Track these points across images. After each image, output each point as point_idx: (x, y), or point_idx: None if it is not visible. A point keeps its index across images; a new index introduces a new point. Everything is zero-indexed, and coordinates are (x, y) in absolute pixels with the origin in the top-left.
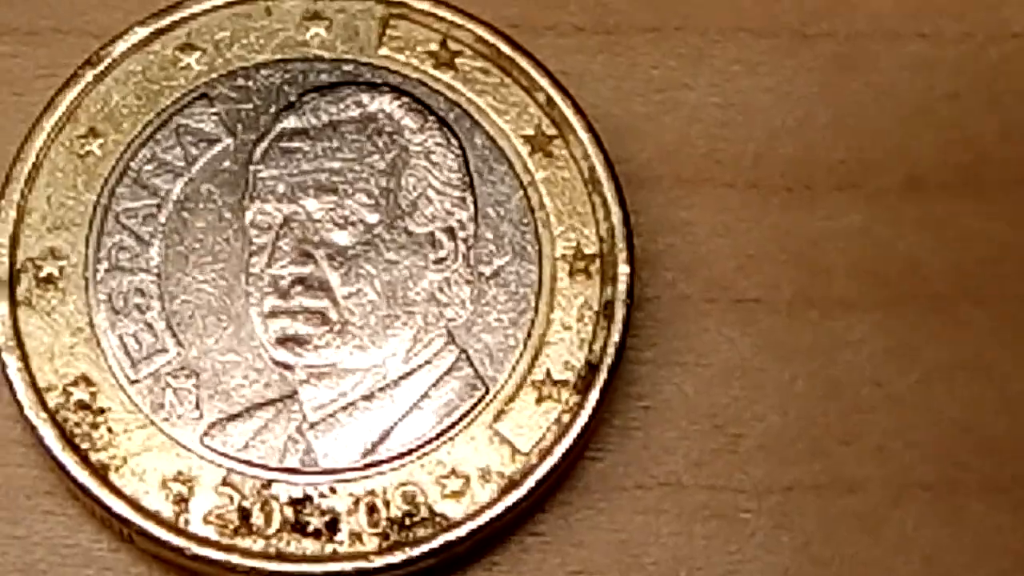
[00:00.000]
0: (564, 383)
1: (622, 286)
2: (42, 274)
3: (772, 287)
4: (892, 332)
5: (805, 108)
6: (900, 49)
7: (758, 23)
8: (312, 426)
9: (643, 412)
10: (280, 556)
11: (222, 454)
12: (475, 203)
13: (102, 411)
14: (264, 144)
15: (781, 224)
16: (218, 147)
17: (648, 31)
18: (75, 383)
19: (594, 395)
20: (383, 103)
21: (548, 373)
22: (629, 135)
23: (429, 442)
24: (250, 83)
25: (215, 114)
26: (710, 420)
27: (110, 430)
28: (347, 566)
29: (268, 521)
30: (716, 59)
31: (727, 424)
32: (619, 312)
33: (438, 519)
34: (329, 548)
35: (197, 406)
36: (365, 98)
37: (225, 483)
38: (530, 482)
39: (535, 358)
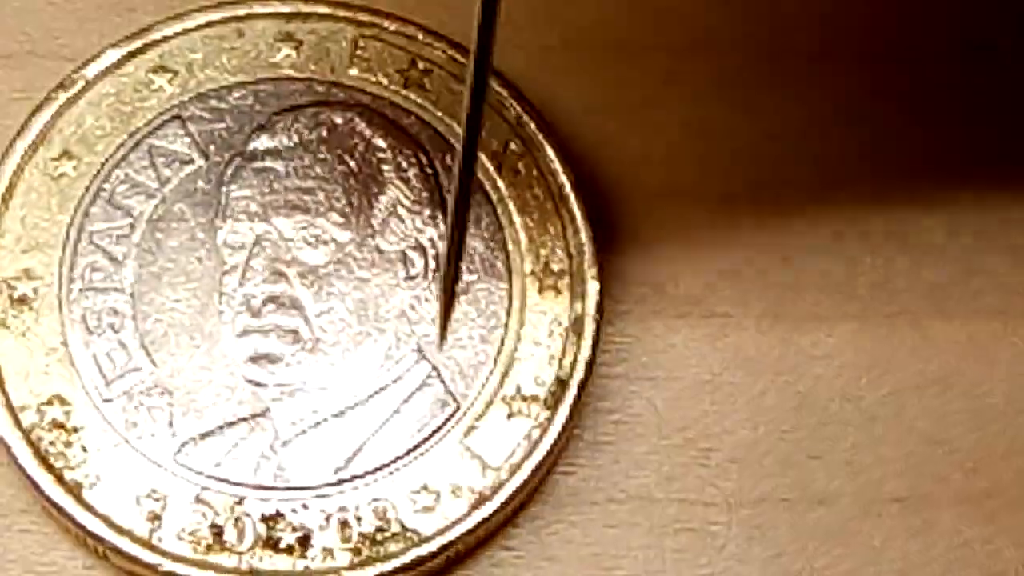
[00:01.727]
0: (534, 398)
1: (591, 302)
2: (16, 294)
3: (741, 302)
4: (861, 346)
5: (772, 123)
6: (866, 65)
7: (726, 40)
8: (284, 443)
9: (614, 427)
10: (253, 572)
11: (195, 471)
12: (445, 221)
13: (76, 429)
14: (236, 164)
15: (750, 239)
16: (191, 167)
17: (616, 49)
18: (49, 402)
19: (564, 410)
20: (354, 123)
21: (518, 389)
22: (598, 152)
23: (400, 458)
24: (222, 104)
25: (188, 135)
26: (681, 434)
27: (84, 448)
28: None
29: (241, 537)
30: (684, 75)
31: (698, 438)
32: (588, 328)
33: (409, 534)
34: (301, 564)
35: (170, 424)
36: (336, 118)
37: (198, 500)
38: (501, 496)
39: (505, 374)
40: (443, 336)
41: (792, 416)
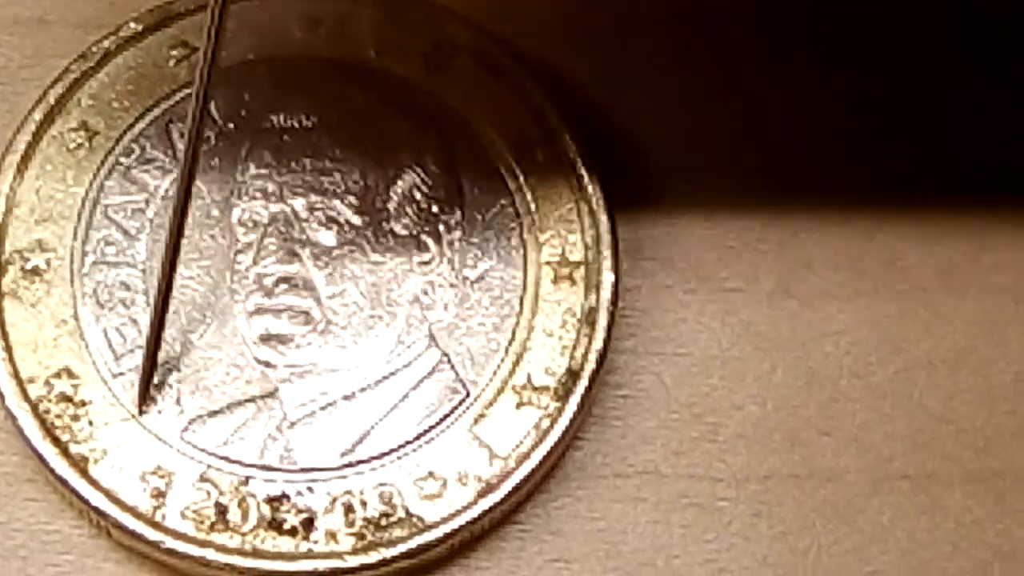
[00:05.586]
0: (545, 389)
1: (606, 293)
2: (29, 266)
3: (752, 278)
4: (872, 323)
5: (785, 99)
6: (884, 46)
7: (742, 18)
8: (292, 424)
9: (622, 401)
10: (255, 553)
11: (201, 450)
12: (462, 207)
13: (84, 403)
14: (253, 143)
15: (762, 215)
16: (208, 144)
17: (630, 25)
18: (58, 375)
19: (574, 401)
20: (374, 104)
21: (529, 378)
22: (611, 126)
23: (408, 443)
24: (242, 81)
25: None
26: (689, 409)
27: (91, 422)
28: (322, 565)
29: (245, 518)
30: (699, 51)
31: (706, 413)
32: (602, 319)
33: (414, 520)
34: (304, 546)
35: (178, 401)
36: (356, 99)
37: (203, 479)
38: (507, 486)
39: (516, 363)
40: (143, 398)
41: (801, 392)
